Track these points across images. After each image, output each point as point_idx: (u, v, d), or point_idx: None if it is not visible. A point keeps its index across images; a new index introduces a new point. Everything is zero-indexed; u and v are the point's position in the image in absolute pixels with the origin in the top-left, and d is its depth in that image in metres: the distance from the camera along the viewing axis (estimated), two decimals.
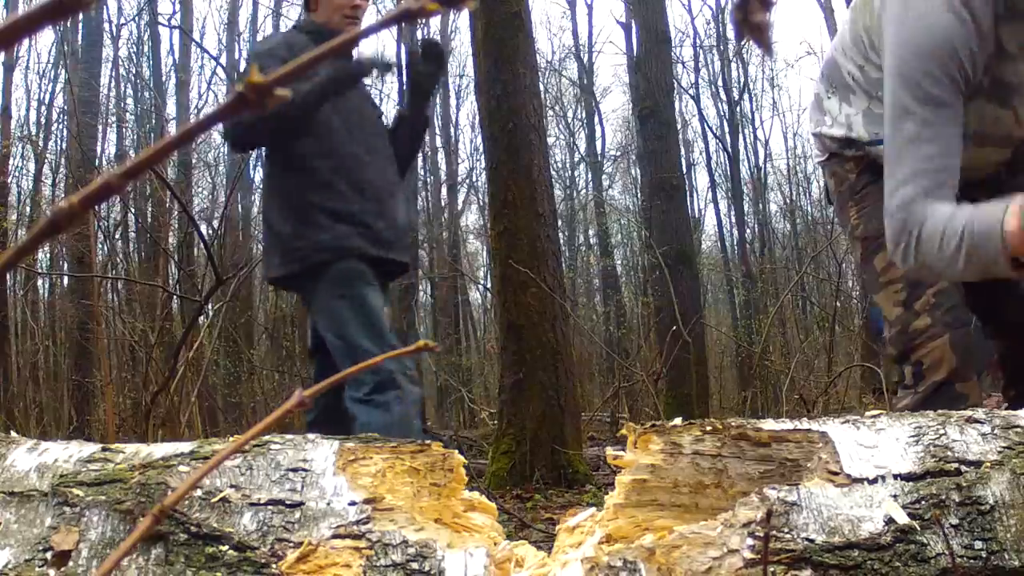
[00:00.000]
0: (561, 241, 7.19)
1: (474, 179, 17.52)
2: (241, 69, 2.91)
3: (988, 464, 0.95)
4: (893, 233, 1.56)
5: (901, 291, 1.78)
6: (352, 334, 2.64)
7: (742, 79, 17.81)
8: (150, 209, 10.22)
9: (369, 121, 2.87)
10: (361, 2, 2.81)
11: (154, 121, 13.37)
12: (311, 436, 1.04)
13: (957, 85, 1.54)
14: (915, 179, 1.53)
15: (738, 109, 17.33)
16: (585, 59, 18.61)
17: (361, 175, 2.75)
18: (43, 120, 12.72)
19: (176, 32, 13.96)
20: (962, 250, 1.45)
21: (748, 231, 16.71)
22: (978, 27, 1.53)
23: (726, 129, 17.17)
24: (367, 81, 3.01)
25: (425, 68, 2.93)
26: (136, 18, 13.99)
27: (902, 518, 0.89)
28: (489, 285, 10.94)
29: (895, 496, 0.92)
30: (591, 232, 19.11)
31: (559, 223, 7.18)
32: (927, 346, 1.71)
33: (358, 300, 2.66)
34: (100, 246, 7.27)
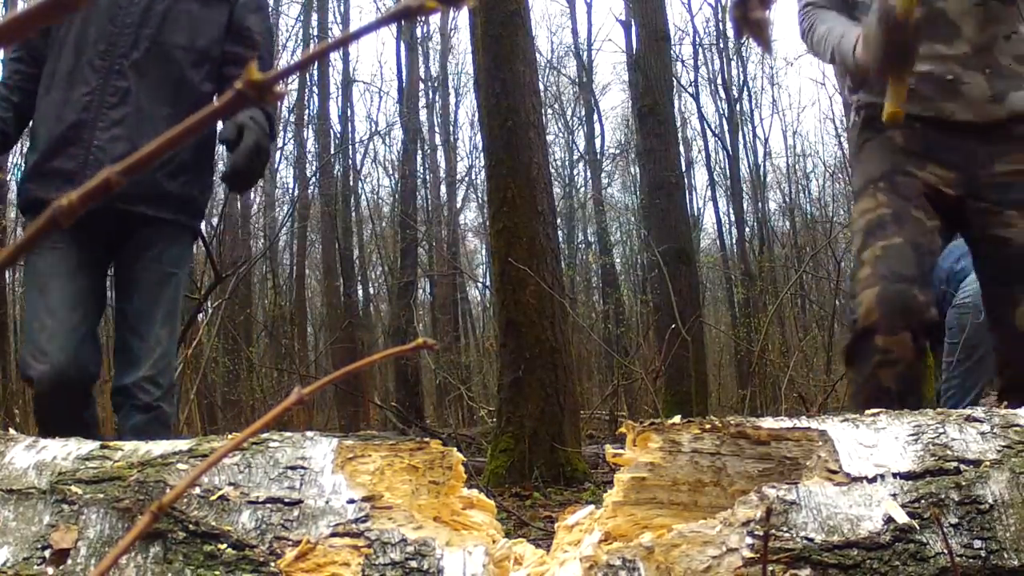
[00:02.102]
0: (560, 239, 7.18)
1: (473, 177, 17.49)
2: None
3: (987, 463, 0.95)
4: (800, 28, 2.12)
5: (856, 240, 1.95)
6: None
7: (741, 77, 17.79)
8: None
9: (118, 57, 2.29)
10: None
11: None
12: (310, 434, 1.04)
13: None
14: None
15: (737, 107, 17.31)
16: (584, 57, 18.58)
17: (63, 113, 2.28)
18: None
19: None
20: (833, 58, 1.98)
21: (747, 229, 16.67)
22: None
23: (725, 127, 17.14)
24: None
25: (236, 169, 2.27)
26: None
27: (901, 517, 0.89)
28: (488, 283, 10.93)
29: (894, 495, 0.92)
30: (590, 230, 19.08)
31: (558, 221, 7.18)
32: (862, 294, 1.86)
33: (28, 267, 2.30)
34: None
